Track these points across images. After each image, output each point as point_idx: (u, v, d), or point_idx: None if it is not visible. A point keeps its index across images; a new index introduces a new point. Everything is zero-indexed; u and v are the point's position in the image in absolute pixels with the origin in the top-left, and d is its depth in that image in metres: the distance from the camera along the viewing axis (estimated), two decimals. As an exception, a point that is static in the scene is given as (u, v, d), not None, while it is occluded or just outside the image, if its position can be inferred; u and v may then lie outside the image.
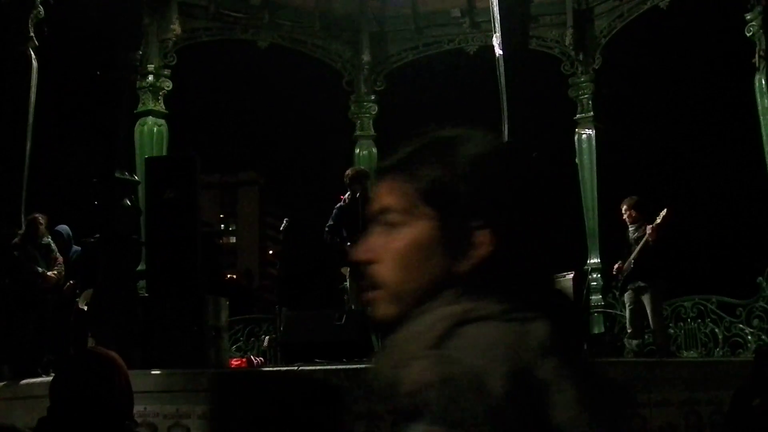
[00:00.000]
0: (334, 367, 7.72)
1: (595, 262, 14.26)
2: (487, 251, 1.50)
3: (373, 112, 15.64)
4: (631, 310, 11.62)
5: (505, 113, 8.13)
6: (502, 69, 8.18)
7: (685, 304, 12.96)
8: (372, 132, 15.65)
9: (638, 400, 7.30)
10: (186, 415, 7.39)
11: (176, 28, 13.86)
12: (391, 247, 1.56)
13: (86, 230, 11.43)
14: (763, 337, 11.76)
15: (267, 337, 11.62)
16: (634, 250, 11.45)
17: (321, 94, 15.92)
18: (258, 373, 9.50)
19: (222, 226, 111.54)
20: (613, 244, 12.81)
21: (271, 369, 9.93)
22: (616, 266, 11.81)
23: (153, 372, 7.62)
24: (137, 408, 3.55)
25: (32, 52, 9.95)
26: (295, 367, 7.63)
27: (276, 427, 7.12)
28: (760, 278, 11.90)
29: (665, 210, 11.23)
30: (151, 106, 13.74)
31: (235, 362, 10.42)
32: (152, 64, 13.68)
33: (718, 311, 12.57)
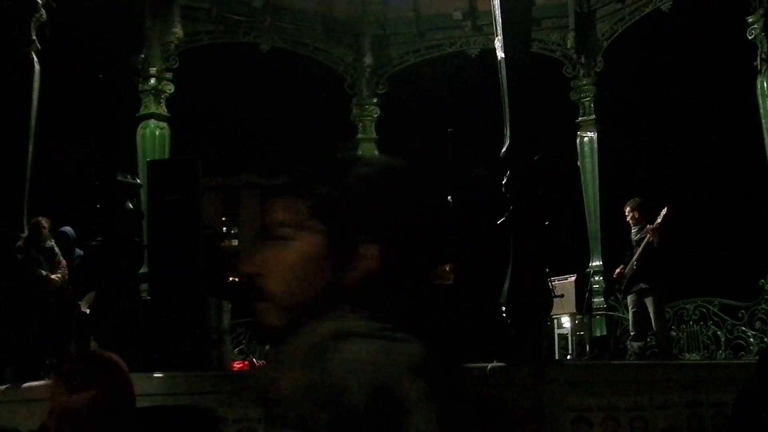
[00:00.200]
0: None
1: (597, 265, 14.27)
2: (372, 266, 1.56)
3: (375, 115, 15.65)
4: (633, 313, 11.62)
5: (507, 116, 8.12)
6: (503, 72, 8.18)
7: (688, 306, 12.96)
8: (374, 135, 15.67)
9: (640, 402, 7.30)
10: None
11: (178, 31, 13.86)
12: (281, 261, 1.62)
13: (88, 233, 11.45)
14: (766, 339, 11.75)
15: (268, 340, 11.61)
16: (636, 252, 11.46)
17: (323, 97, 15.93)
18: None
19: (224, 228, 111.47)
20: (616, 246, 12.81)
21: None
22: (617, 271, 11.81)
23: (155, 375, 7.62)
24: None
25: (34, 55, 9.95)
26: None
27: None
28: (762, 281, 11.89)
29: (666, 209, 11.23)
30: (153, 109, 13.75)
31: (237, 365, 10.42)
32: (154, 67, 13.68)
33: (720, 314, 12.56)
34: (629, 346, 11.83)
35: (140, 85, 12.78)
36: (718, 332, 12.49)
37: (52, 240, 11.32)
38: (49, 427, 3.29)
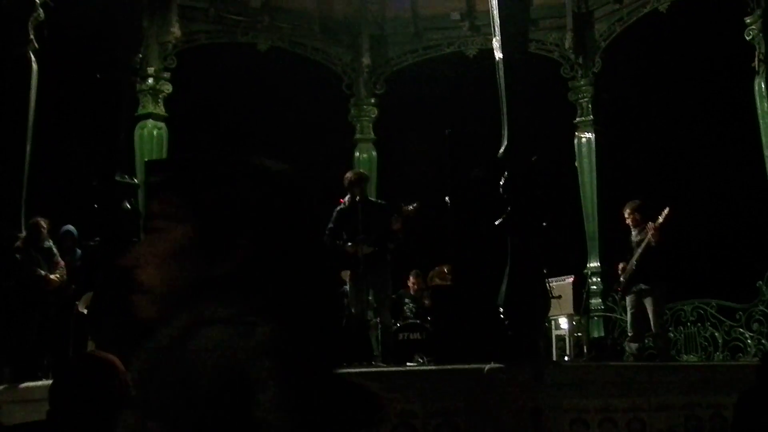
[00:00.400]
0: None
1: (595, 266, 14.29)
2: (241, 258, 1.64)
3: (373, 116, 15.65)
4: (632, 314, 11.62)
5: (505, 116, 8.13)
6: (501, 72, 8.18)
7: (685, 308, 12.97)
8: (372, 135, 15.67)
9: (638, 404, 7.31)
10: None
11: (176, 31, 13.87)
12: (154, 253, 1.67)
13: (86, 233, 11.44)
14: (763, 341, 11.76)
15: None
16: (636, 254, 11.46)
17: (321, 97, 15.90)
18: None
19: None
20: (614, 247, 12.80)
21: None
22: (620, 266, 11.78)
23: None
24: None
25: (32, 55, 9.95)
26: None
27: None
28: (760, 282, 11.90)
29: (667, 209, 11.23)
30: (151, 109, 13.76)
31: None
32: (152, 67, 13.69)
33: (717, 315, 12.57)
34: (627, 347, 11.83)
35: (138, 85, 12.79)
36: (716, 334, 12.49)
37: (50, 240, 11.30)
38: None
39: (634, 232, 11.67)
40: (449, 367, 7.33)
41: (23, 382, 8.50)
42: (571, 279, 12.85)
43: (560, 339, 12.64)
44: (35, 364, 9.71)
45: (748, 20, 12.15)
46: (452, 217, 8.89)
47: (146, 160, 11.65)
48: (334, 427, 1.57)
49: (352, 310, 10.95)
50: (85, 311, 9.83)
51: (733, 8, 12.58)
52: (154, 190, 1.77)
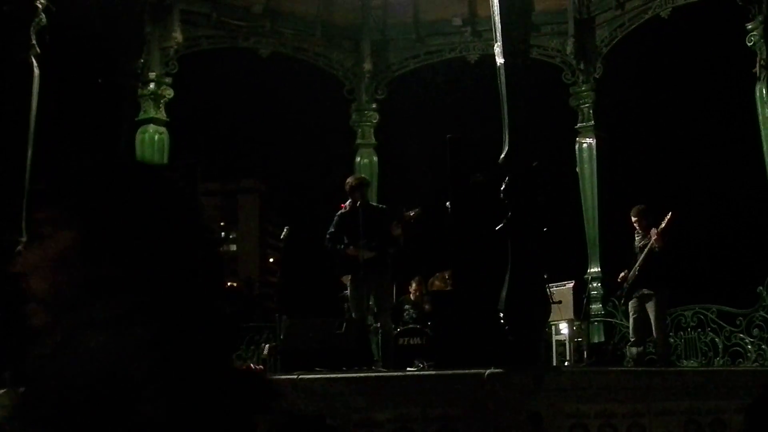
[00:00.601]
0: (334, 375, 7.72)
1: (595, 271, 14.29)
2: (125, 261, 1.64)
3: (374, 121, 15.67)
4: (634, 319, 11.63)
5: (506, 122, 8.13)
6: (503, 78, 8.19)
7: (686, 313, 12.96)
8: (373, 140, 15.68)
9: (638, 409, 7.30)
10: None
11: (178, 36, 13.88)
12: (41, 259, 1.68)
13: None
14: (764, 346, 11.76)
15: (267, 345, 11.62)
16: (639, 259, 11.47)
17: (322, 103, 15.96)
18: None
19: (222, 233, 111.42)
20: (614, 253, 12.81)
21: (271, 377, 9.92)
22: (621, 275, 11.79)
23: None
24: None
25: (34, 60, 9.96)
26: (295, 376, 7.63)
27: None
28: (760, 288, 11.89)
29: (670, 214, 11.23)
30: (152, 113, 13.76)
31: (235, 370, 10.40)
32: (154, 71, 13.70)
33: (718, 320, 12.56)
34: (628, 352, 11.83)
35: (139, 90, 12.82)
36: (716, 339, 12.49)
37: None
38: None
39: (637, 238, 11.69)
40: (449, 372, 7.32)
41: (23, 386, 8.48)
42: (571, 284, 12.86)
43: (560, 344, 12.64)
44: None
45: (749, 26, 12.15)
46: (453, 222, 8.89)
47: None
48: (221, 415, 1.60)
49: (353, 315, 10.97)
50: None
51: (735, 14, 12.59)
52: (39, 197, 1.79)
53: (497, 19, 8.36)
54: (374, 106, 15.63)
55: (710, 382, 7.91)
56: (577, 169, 14.80)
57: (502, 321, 7.69)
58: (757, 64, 12.07)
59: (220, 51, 14.97)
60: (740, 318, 12.20)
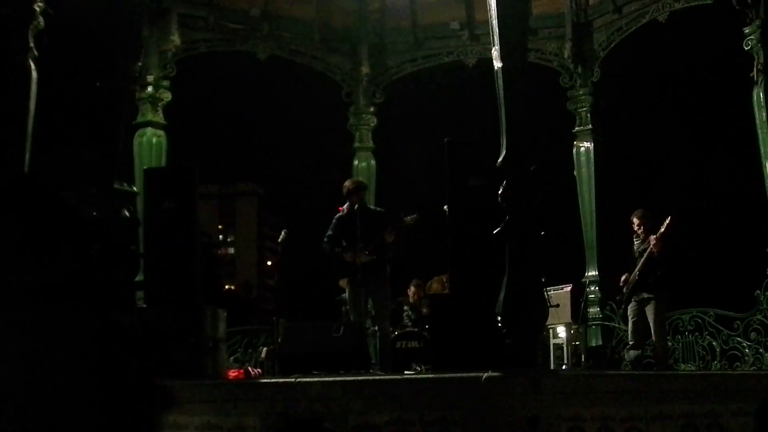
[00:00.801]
0: (331, 378, 7.72)
1: (593, 275, 14.31)
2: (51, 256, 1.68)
3: (372, 124, 15.69)
4: (633, 323, 11.64)
5: (504, 126, 8.14)
6: (500, 81, 8.19)
7: (683, 317, 12.97)
8: (371, 144, 15.70)
9: (635, 413, 7.30)
10: (184, 426, 7.38)
11: (176, 39, 13.90)
12: None
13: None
14: (761, 350, 11.77)
15: (265, 348, 11.60)
16: (638, 263, 11.48)
17: (320, 106, 15.98)
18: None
19: (220, 236, 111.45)
20: (612, 256, 12.82)
21: (268, 380, 9.92)
22: (622, 278, 11.79)
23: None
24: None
25: (32, 63, 9.97)
26: (293, 379, 7.63)
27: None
28: (758, 291, 11.90)
29: (669, 218, 11.24)
30: (150, 117, 13.77)
31: (232, 373, 10.40)
32: (151, 75, 13.71)
33: (715, 324, 12.57)
34: (626, 356, 11.84)
35: (137, 93, 12.81)
36: (714, 343, 12.50)
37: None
38: None
39: (636, 242, 11.70)
40: (447, 375, 7.32)
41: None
42: (569, 288, 12.85)
43: (558, 348, 12.64)
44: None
45: (746, 30, 12.16)
46: (450, 225, 8.89)
47: (145, 168, 11.65)
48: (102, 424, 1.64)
49: (351, 318, 10.97)
50: None
51: (732, 18, 12.61)
52: None
53: (494, 23, 8.37)
54: (372, 109, 15.65)
55: (708, 386, 7.91)
56: (575, 173, 14.82)
57: (499, 324, 7.70)
58: (755, 68, 12.08)
59: (218, 54, 14.99)
60: (738, 322, 12.21)
